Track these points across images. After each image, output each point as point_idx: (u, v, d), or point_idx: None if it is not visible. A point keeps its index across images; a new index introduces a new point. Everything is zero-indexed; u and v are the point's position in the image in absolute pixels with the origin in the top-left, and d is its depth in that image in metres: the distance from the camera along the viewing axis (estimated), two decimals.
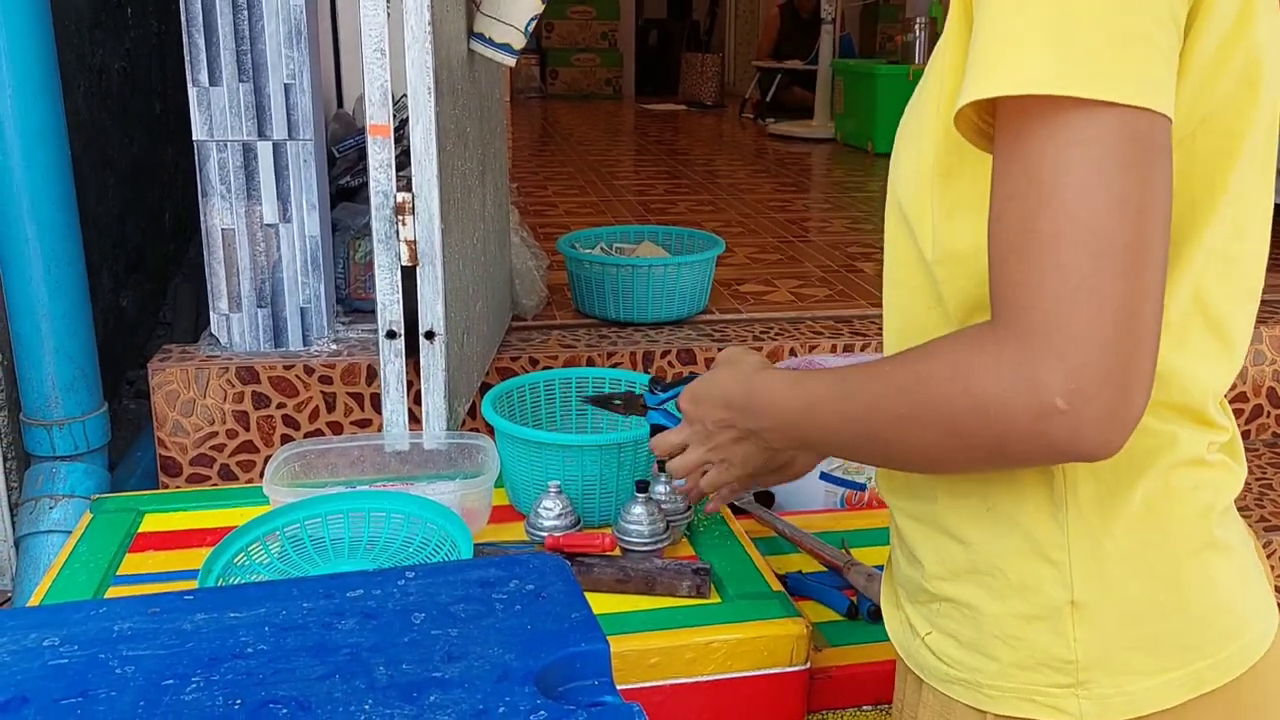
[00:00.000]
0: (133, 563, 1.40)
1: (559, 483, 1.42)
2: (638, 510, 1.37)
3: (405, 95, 1.57)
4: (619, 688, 0.77)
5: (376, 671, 0.74)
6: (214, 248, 2.09)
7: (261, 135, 2.05)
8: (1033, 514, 0.75)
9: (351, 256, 2.32)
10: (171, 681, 0.72)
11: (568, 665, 0.77)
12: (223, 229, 2.08)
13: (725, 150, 6.14)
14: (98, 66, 2.61)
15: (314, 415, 2.13)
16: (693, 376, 1.01)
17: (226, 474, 2.12)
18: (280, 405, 2.11)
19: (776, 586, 1.32)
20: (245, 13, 1.99)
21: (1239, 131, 0.70)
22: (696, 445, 0.97)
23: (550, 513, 1.40)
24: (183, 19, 1.98)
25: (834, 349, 2.36)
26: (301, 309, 2.14)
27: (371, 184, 1.55)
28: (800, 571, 1.48)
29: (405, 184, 1.57)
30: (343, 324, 2.25)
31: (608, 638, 0.79)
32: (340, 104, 3.11)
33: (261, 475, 1.46)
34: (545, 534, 1.38)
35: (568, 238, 2.60)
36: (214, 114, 2.03)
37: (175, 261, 3.21)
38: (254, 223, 2.08)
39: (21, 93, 1.92)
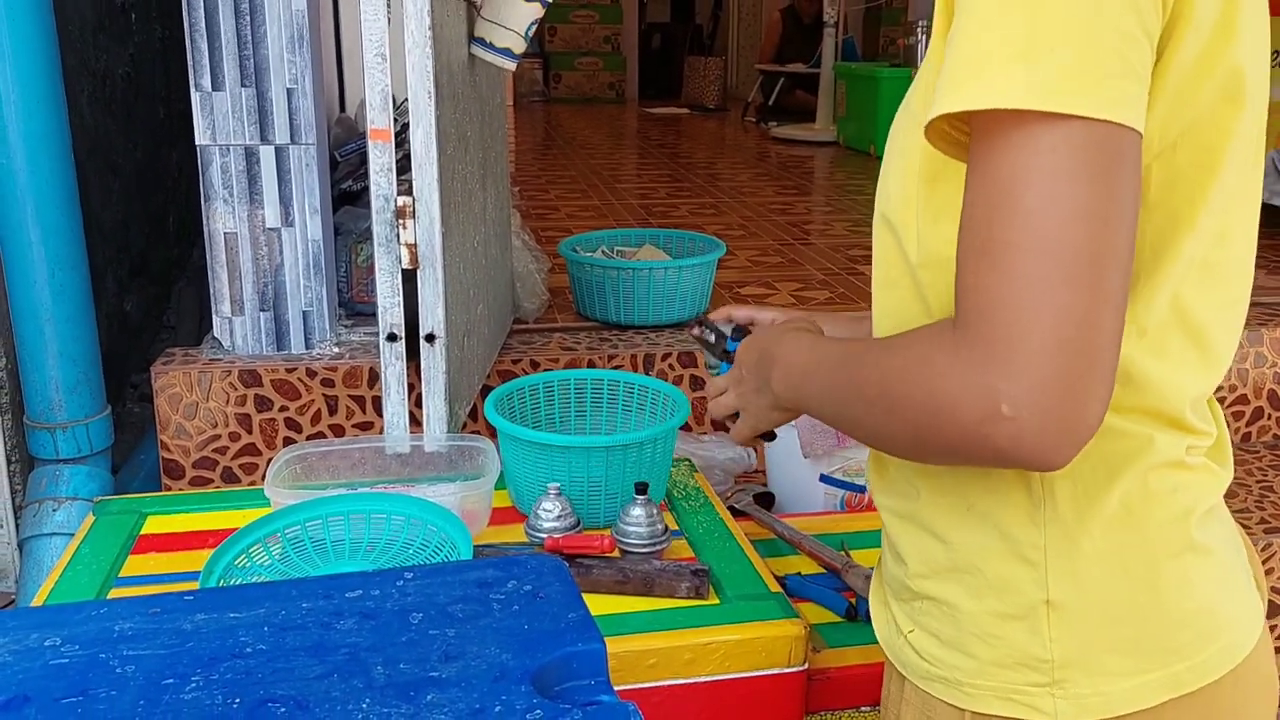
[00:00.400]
0: (135, 564, 1.41)
1: (559, 485, 1.42)
2: (637, 512, 1.38)
3: (406, 99, 1.58)
4: (618, 688, 0.78)
5: (374, 671, 0.75)
6: (217, 251, 2.10)
7: (264, 139, 2.06)
8: (1011, 514, 0.76)
9: (353, 260, 2.33)
10: (171, 681, 0.73)
11: (564, 665, 0.77)
12: (225, 233, 2.09)
13: (727, 153, 6.15)
14: (101, 71, 2.62)
15: (316, 418, 2.14)
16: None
17: (229, 477, 2.13)
18: (282, 408, 2.12)
19: (775, 588, 1.33)
20: (248, 17, 2.00)
21: (1220, 145, 0.71)
22: (731, 390, 0.99)
23: (550, 514, 1.40)
24: (185, 24, 1.99)
25: None
26: (304, 312, 2.15)
27: (372, 188, 1.56)
28: (799, 573, 1.48)
29: (406, 188, 1.57)
30: (345, 327, 2.26)
31: (606, 638, 0.79)
32: (342, 108, 3.12)
33: (263, 478, 1.46)
34: (545, 535, 1.38)
35: (569, 241, 2.61)
36: (216, 118, 2.04)
37: (179, 265, 3.22)
38: (256, 227, 2.09)
39: (25, 97, 1.93)
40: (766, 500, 1.82)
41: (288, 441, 2.12)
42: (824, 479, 1.82)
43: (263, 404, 2.11)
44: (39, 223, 1.97)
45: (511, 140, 6.49)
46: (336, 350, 2.18)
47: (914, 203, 0.76)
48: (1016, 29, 0.61)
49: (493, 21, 1.83)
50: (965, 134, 0.66)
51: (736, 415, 1.00)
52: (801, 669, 1.24)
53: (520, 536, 1.44)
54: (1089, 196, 0.61)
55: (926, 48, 0.77)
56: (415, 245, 1.58)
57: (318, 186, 2.10)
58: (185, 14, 1.99)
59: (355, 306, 2.34)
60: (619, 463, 1.47)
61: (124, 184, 2.76)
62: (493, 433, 1.56)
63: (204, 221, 2.09)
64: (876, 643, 0.89)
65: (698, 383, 2.31)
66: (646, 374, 2.27)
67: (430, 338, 1.62)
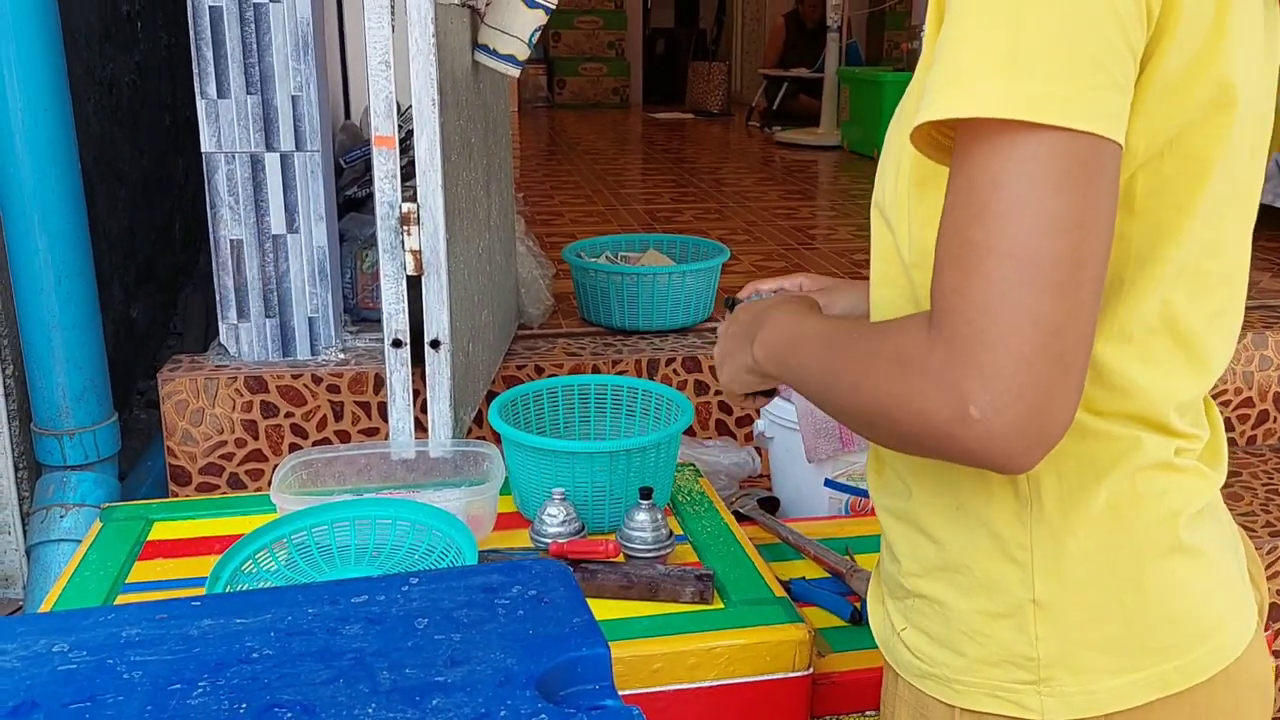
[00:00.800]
0: (142, 570, 1.41)
1: (564, 490, 1.43)
2: (641, 517, 1.38)
3: (411, 106, 1.59)
4: (622, 693, 0.78)
5: (380, 675, 0.75)
6: (222, 258, 2.11)
7: (269, 147, 2.07)
8: (999, 513, 0.77)
9: (359, 266, 2.33)
10: (178, 686, 0.73)
11: (569, 669, 0.78)
12: (231, 240, 2.10)
13: (732, 158, 6.16)
14: (108, 80, 2.64)
15: (321, 424, 2.15)
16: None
17: (235, 483, 2.13)
18: (288, 414, 2.13)
19: (779, 592, 1.33)
20: (253, 26, 2.01)
21: (1210, 154, 0.71)
22: (720, 340, 1.00)
23: (554, 519, 1.41)
24: (191, 32, 2.00)
25: None
26: (309, 319, 2.16)
27: (377, 194, 1.56)
28: (804, 578, 1.49)
29: (411, 194, 1.58)
30: (350, 333, 2.27)
31: (610, 643, 0.80)
32: (347, 115, 3.13)
33: (269, 484, 1.47)
34: (549, 540, 1.39)
35: (573, 246, 2.61)
36: (222, 126, 2.04)
37: (185, 272, 3.23)
38: (262, 233, 2.10)
39: (32, 106, 1.94)
40: (771, 505, 1.82)
41: (294, 447, 2.12)
42: (828, 483, 1.82)
43: (269, 410, 2.12)
44: (46, 230, 1.98)
45: (516, 146, 6.50)
46: (342, 356, 2.19)
47: (906, 205, 0.77)
48: (1000, 39, 0.62)
49: (496, 28, 1.84)
50: (951, 140, 0.67)
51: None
52: (806, 673, 1.24)
53: (525, 542, 1.45)
54: (1065, 206, 0.61)
55: None
56: (420, 252, 1.59)
57: (323, 193, 2.11)
58: (191, 22, 2.00)
59: (361, 313, 2.35)
60: (623, 468, 1.47)
61: (130, 191, 2.77)
62: (498, 438, 1.56)
63: (210, 228, 2.09)
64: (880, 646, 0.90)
65: (702, 388, 2.31)
66: (650, 379, 2.27)
67: (435, 344, 1.63)
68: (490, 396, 2.04)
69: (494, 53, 1.86)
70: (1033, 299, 0.61)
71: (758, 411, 2.04)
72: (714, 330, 2.53)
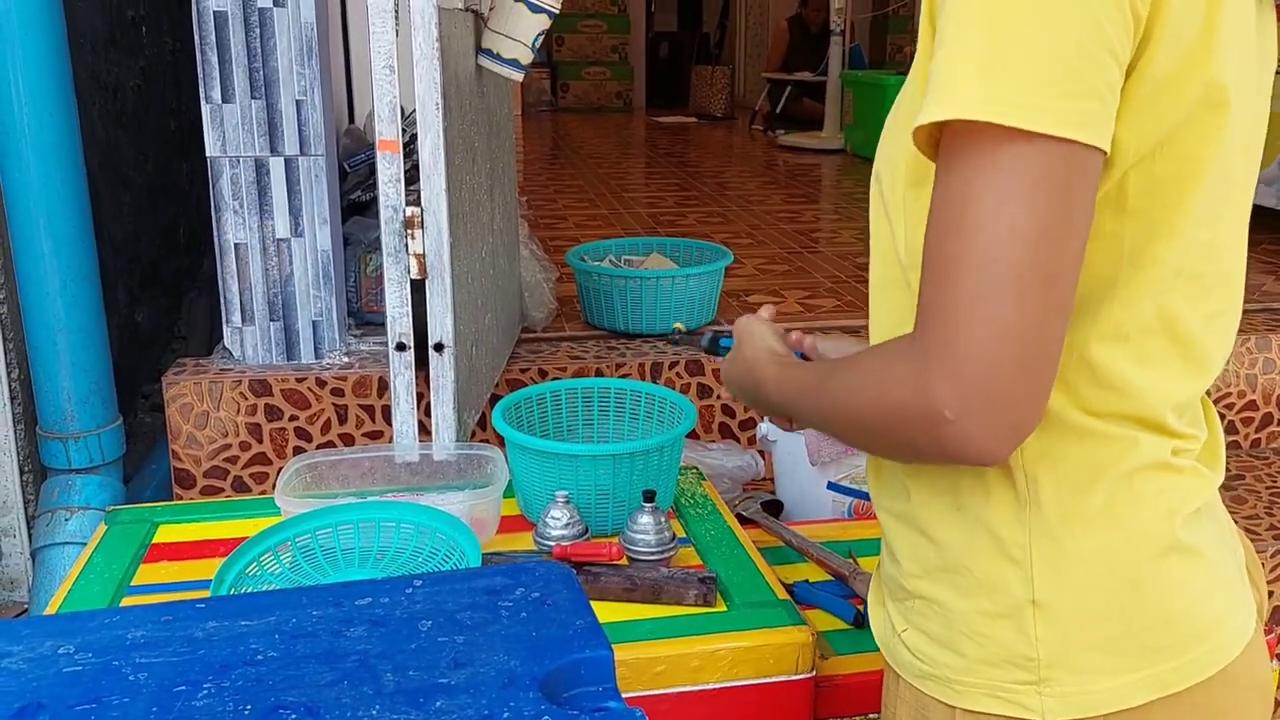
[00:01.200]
0: (147, 573, 1.42)
1: (567, 493, 1.43)
2: (644, 520, 1.38)
3: (414, 110, 1.59)
4: (626, 695, 0.78)
5: (384, 678, 0.75)
6: (227, 262, 2.11)
7: (274, 151, 2.07)
8: (998, 514, 0.77)
9: (363, 270, 2.34)
10: (183, 688, 0.74)
11: (572, 671, 0.78)
12: (236, 243, 2.10)
13: (735, 162, 6.16)
14: (113, 84, 2.65)
15: (326, 427, 2.15)
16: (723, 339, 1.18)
17: (240, 486, 2.14)
18: (293, 417, 2.13)
19: (782, 595, 1.33)
20: (257, 30, 2.02)
21: (1202, 155, 0.71)
22: (728, 383, 1.07)
23: (558, 522, 1.41)
24: (196, 37, 2.01)
25: None
26: (313, 322, 2.16)
27: (381, 198, 1.57)
28: (807, 580, 1.49)
29: (414, 198, 1.59)
30: (354, 337, 2.27)
31: (614, 646, 0.80)
32: (352, 119, 3.14)
33: (274, 487, 1.47)
34: (553, 543, 1.39)
35: (577, 250, 2.62)
36: (227, 130, 2.05)
37: (190, 276, 3.24)
38: (266, 237, 2.11)
39: (37, 111, 1.94)
40: (774, 508, 1.82)
41: (298, 451, 2.13)
42: (831, 486, 1.82)
43: (273, 413, 2.12)
44: (51, 235, 1.99)
45: (520, 150, 6.51)
46: (346, 360, 2.19)
47: (901, 208, 0.78)
48: (982, 44, 0.64)
49: (500, 33, 1.84)
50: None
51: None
52: (809, 676, 1.25)
53: (529, 544, 1.45)
54: (1036, 215, 0.63)
55: None
56: (423, 255, 1.59)
57: (327, 197, 2.11)
58: (195, 27, 2.01)
59: (365, 316, 2.35)
60: (626, 471, 1.47)
61: (135, 196, 2.78)
62: (501, 441, 1.56)
63: (214, 232, 2.10)
64: None
65: (705, 391, 2.32)
66: (654, 382, 2.27)
67: (439, 347, 1.63)
68: (494, 400, 2.05)
69: (497, 57, 1.86)
70: (1002, 310, 0.64)
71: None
72: (717, 333, 2.53)
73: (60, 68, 1.99)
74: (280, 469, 1.71)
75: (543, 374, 2.22)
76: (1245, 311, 2.80)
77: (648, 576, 1.32)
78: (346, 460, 1.57)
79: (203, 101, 2.03)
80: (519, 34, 1.83)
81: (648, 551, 1.38)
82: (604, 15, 9.64)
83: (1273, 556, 2.04)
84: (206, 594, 1.23)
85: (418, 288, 1.63)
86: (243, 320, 2.15)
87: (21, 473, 2.13)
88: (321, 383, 2.13)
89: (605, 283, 2.44)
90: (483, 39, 1.88)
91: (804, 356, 1.08)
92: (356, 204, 2.48)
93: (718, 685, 1.22)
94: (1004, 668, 0.77)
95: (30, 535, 2.12)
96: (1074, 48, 0.63)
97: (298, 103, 2.06)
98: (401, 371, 1.63)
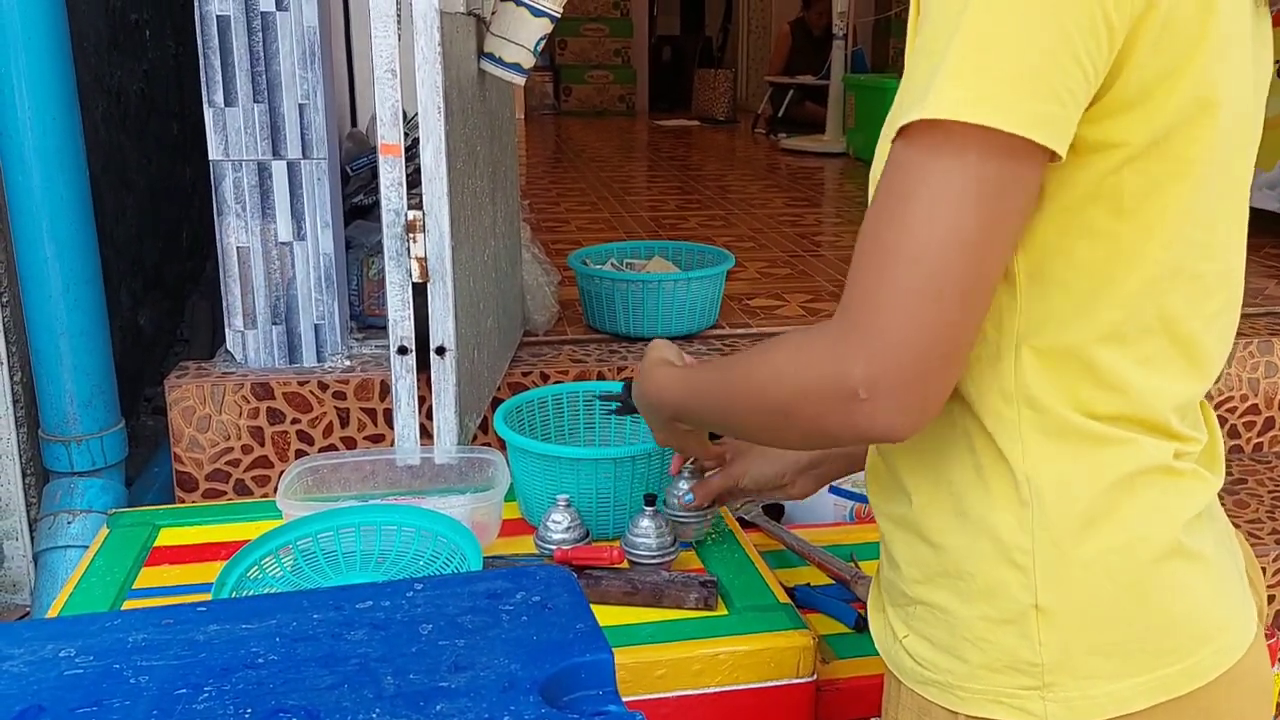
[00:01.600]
0: (148, 576, 1.42)
1: (568, 496, 1.43)
2: (645, 523, 1.38)
3: (417, 114, 1.59)
4: (627, 699, 0.79)
5: (384, 681, 0.76)
6: (229, 265, 2.12)
7: (276, 154, 2.07)
8: (1000, 519, 0.77)
9: (365, 274, 2.34)
10: (184, 691, 0.74)
11: (572, 675, 0.78)
12: (238, 247, 2.11)
13: (737, 165, 6.16)
14: (116, 88, 2.65)
15: (328, 430, 2.15)
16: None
17: (241, 489, 2.14)
18: (295, 421, 2.13)
19: (783, 598, 1.33)
20: (260, 34, 2.02)
21: (1194, 155, 0.72)
22: (656, 432, 1.15)
23: (559, 525, 1.41)
24: (198, 40, 2.01)
25: None
26: (315, 325, 2.17)
27: (383, 202, 1.57)
28: (808, 584, 1.49)
29: (416, 202, 1.59)
30: (356, 340, 2.28)
31: (615, 649, 0.80)
32: (354, 123, 3.14)
33: (276, 490, 1.48)
34: (554, 547, 1.39)
35: (579, 253, 2.62)
36: (229, 134, 2.05)
37: (193, 279, 3.25)
38: (269, 241, 2.11)
39: (40, 114, 1.95)
40: (776, 511, 1.82)
41: (300, 454, 2.13)
42: (833, 490, 1.82)
43: (275, 417, 2.12)
44: (54, 237, 1.99)
45: (522, 153, 6.51)
46: (348, 363, 2.20)
47: None
48: (956, 50, 0.66)
49: (502, 37, 1.85)
50: None
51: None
52: (810, 680, 1.24)
53: (530, 548, 1.45)
54: (972, 221, 0.66)
55: None
56: (425, 259, 1.59)
57: (329, 201, 2.11)
58: (198, 31, 2.01)
59: (367, 320, 2.35)
60: (627, 474, 1.47)
61: (138, 199, 2.79)
62: (503, 445, 1.57)
63: (216, 235, 2.10)
64: None
65: None
66: None
67: (440, 350, 1.63)
68: (496, 403, 2.05)
69: (500, 61, 1.86)
70: (929, 307, 0.67)
71: None
72: (720, 338, 2.53)
73: (63, 71, 1.99)
74: (282, 472, 1.71)
75: (544, 377, 2.22)
76: (1248, 315, 2.80)
77: (649, 580, 1.32)
78: (348, 463, 1.57)
79: (205, 105, 2.04)
80: (521, 38, 1.83)
81: (649, 555, 1.37)
82: (607, 19, 9.65)
83: (1275, 560, 2.04)
84: (208, 597, 1.23)
85: (419, 291, 1.63)
86: (245, 323, 2.15)
87: (24, 476, 2.14)
88: (323, 386, 2.13)
89: (607, 286, 2.44)
90: (485, 43, 1.88)
91: None
92: (359, 207, 2.49)
93: (719, 689, 1.22)
94: (1007, 673, 0.77)
95: (32, 538, 2.13)
96: (1039, 53, 0.65)
97: (300, 106, 2.06)
98: (403, 375, 1.63)
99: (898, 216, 0.67)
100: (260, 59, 2.03)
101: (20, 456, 2.12)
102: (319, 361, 2.18)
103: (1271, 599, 2.06)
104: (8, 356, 2.07)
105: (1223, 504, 2.31)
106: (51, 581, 2.01)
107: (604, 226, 4.04)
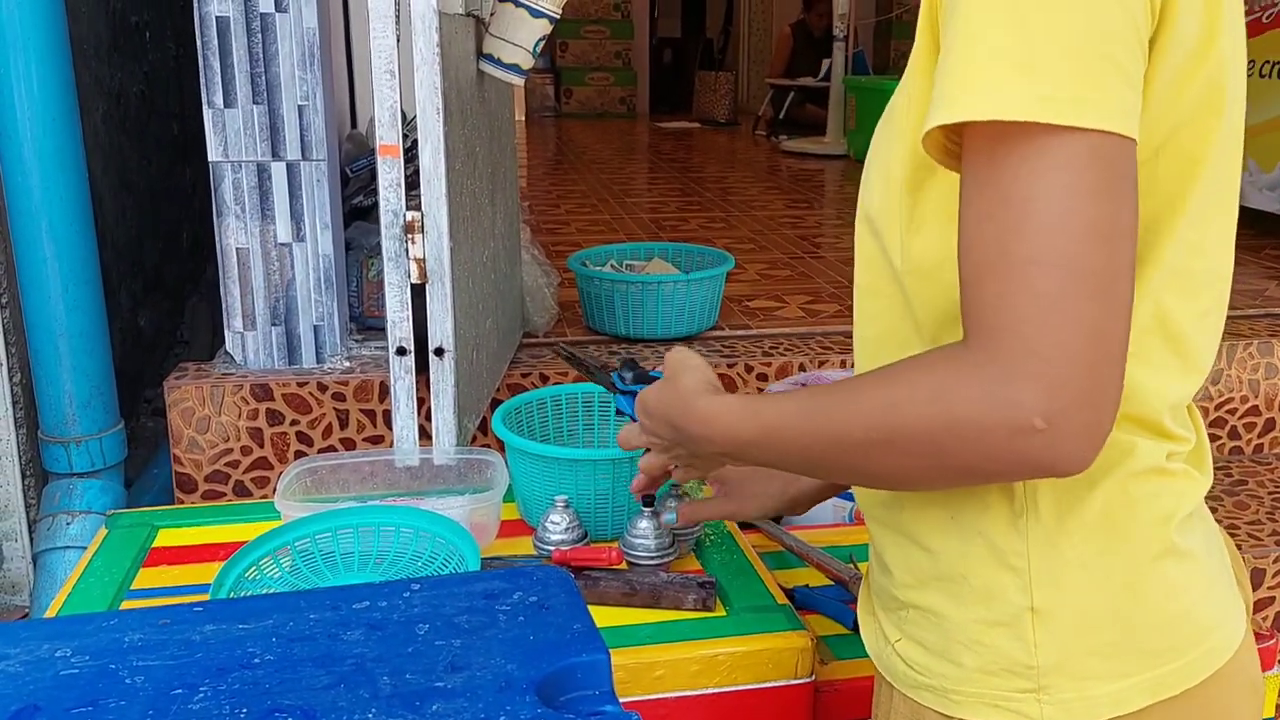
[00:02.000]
0: (147, 577, 1.42)
1: (566, 497, 1.43)
2: (644, 525, 1.38)
3: (416, 116, 1.59)
4: (624, 700, 0.79)
5: (380, 681, 0.75)
6: (229, 267, 2.12)
7: (275, 156, 2.08)
8: (994, 522, 0.76)
9: (364, 275, 2.34)
10: (180, 691, 0.74)
11: (569, 675, 0.78)
12: (237, 248, 2.11)
13: (738, 167, 6.16)
14: (116, 89, 2.65)
15: (327, 432, 2.15)
16: (657, 375, 1.00)
17: (241, 490, 2.14)
18: (294, 422, 2.13)
19: (782, 599, 1.33)
20: (259, 36, 2.02)
21: (1200, 154, 0.72)
22: (659, 453, 0.98)
23: (557, 526, 1.41)
24: (198, 42, 2.01)
25: (843, 364, 2.37)
26: (315, 327, 2.17)
27: (381, 203, 1.57)
28: (807, 585, 1.48)
29: (415, 203, 1.59)
30: (356, 341, 2.28)
31: (613, 650, 0.80)
32: (354, 124, 3.14)
33: (275, 491, 1.48)
34: (552, 548, 1.39)
35: (578, 255, 2.62)
36: (229, 135, 2.06)
37: (193, 281, 3.25)
38: (268, 242, 2.11)
39: (40, 116, 1.95)
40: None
41: (299, 455, 2.13)
42: None
43: (274, 418, 2.12)
44: (53, 239, 1.99)
45: (523, 156, 6.52)
46: (347, 364, 2.20)
47: (897, 212, 0.77)
48: (1012, 38, 0.62)
49: (500, 38, 1.85)
50: (958, 145, 0.67)
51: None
52: (808, 680, 1.24)
53: (528, 549, 1.45)
54: (1095, 210, 0.62)
55: None
56: (424, 260, 1.59)
57: (329, 202, 2.12)
58: (198, 32, 2.01)
59: (367, 321, 2.35)
60: (626, 475, 1.47)
61: (138, 200, 2.79)
62: (502, 446, 1.56)
63: (216, 237, 2.11)
64: None
65: None
66: None
67: (439, 351, 1.63)
68: (495, 404, 2.05)
69: (498, 62, 1.87)
70: (1081, 307, 0.61)
71: None
72: (719, 340, 2.53)
73: (62, 72, 1.99)
74: (281, 473, 1.71)
75: (544, 379, 2.22)
76: (1248, 316, 2.78)
77: (647, 581, 1.32)
78: (347, 465, 1.57)
79: (205, 106, 2.04)
80: (520, 39, 1.83)
81: (647, 556, 1.37)
82: (608, 21, 9.66)
83: (1275, 562, 2.04)
84: (206, 598, 1.23)
85: (418, 292, 1.63)
86: (244, 325, 2.15)
87: (23, 477, 2.14)
88: (323, 387, 2.13)
89: (606, 288, 2.44)
90: (484, 44, 1.88)
91: None
92: (358, 209, 2.49)
93: (717, 690, 1.22)
94: (1002, 676, 0.77)
95: (31, 539, 2.13)
96: (1106, 35, 0.62)
97: (299, 108, 2.06)
98: (402, 376, 1.63)
99: (1022, 224, 0.62)
100: (260, 60, 2.03)
101: (20, 457, 2.12)
102: (318, 363, 2.18)
103: (1272, 600, 2.05)
104: (7, 358, 2.08)
105: (1223, 505, 2.30)
106: (50, 582, 2.01)
107: (604, 228, 4.04)
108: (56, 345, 2.03)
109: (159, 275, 2.94)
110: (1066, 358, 0.61)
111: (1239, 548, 2.03)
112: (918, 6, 0.73)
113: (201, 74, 2.02)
